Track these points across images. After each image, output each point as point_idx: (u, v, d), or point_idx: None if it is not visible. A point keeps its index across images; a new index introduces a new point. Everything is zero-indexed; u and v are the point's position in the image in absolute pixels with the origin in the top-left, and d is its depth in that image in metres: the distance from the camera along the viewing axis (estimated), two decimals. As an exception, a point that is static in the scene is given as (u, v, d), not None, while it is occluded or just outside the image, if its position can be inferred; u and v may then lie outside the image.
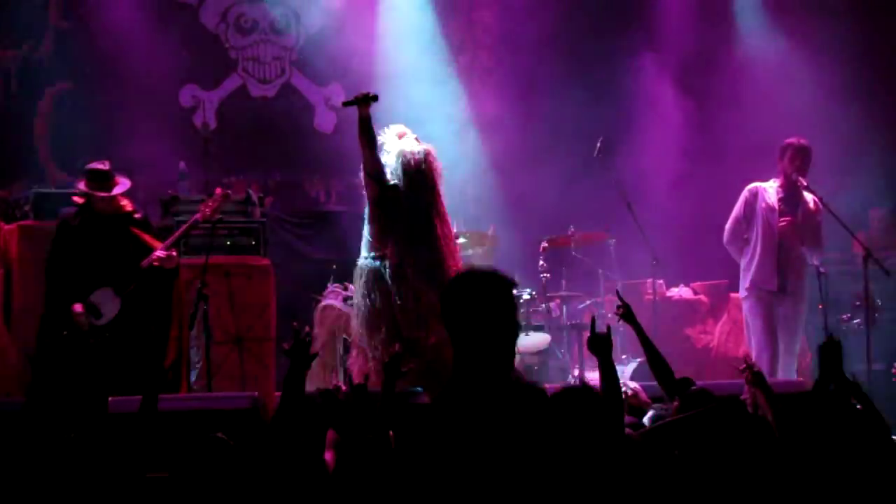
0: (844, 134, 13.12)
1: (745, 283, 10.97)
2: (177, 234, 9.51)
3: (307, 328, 6.46)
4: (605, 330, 6.39)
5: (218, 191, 9.69)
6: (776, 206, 10.82)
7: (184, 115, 13.25)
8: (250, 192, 11.40)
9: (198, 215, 9.48)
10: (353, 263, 11.71)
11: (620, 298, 7.46)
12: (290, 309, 11.50)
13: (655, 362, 7.34)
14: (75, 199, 9.41)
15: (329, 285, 11.43)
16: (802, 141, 10.89)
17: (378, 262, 8.83)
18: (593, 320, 6.62)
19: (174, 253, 9.36)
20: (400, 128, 9.12)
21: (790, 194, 10.85)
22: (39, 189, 10.93)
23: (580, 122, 13.21)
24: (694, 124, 13.96)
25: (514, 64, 13.90)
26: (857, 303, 11.34)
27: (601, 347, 6.37)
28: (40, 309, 10.07)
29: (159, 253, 9.22)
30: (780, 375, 10.46)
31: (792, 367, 10.75)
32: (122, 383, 8.65)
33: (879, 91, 13.66)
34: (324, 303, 11.29)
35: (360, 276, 8.95)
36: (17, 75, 12.59)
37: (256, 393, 8.95)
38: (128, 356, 9.06)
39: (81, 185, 9.33)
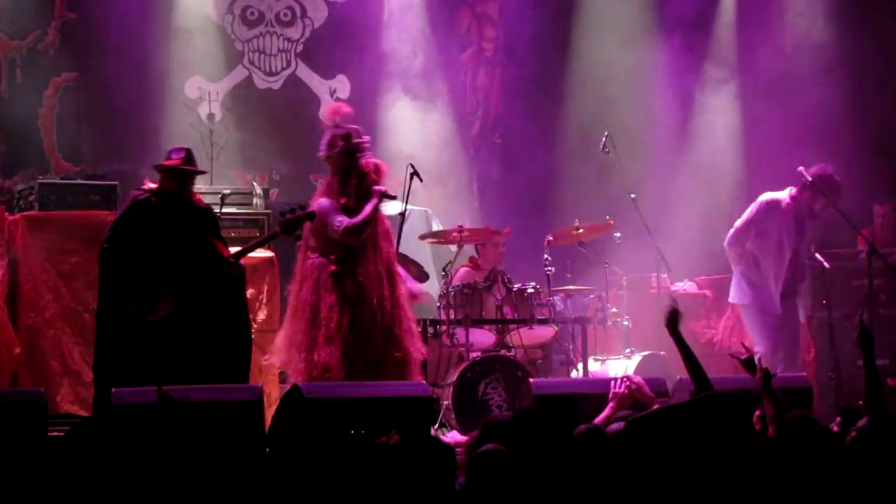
0: (849, 129, 13.12)
1: (743, 295, 10.98)
2: (253, 244, 9.30)
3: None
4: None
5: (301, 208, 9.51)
6: (793, 225, 10.79)
7: (189, 107, 13.24)
8: (255, 184, 11.41)
9: (277, 229, 9.31)
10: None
11: (672, 303, 7.39)
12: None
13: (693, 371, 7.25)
14: (148, 183, 9.08)
15: (333, 278, 11.43)
16: (838, 177, 10.79)
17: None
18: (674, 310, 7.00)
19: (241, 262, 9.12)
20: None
21: (802, 217, 10.83)
22: (44, 180, 10.93)
23: (585, 115, 13.23)
24: (701, 116, 13.96)
25: (520, 57, 13.89)
26: (860, 298, 11.34)
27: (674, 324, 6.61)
28: (45, 299, 10.09)
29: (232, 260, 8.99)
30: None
31: (794, 364, 10.75)
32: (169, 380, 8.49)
33: (887, 85, 13.65)
34: (328, 295, 11.30)
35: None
36: (23, 66, 12.59)
37: (261, 384, 8.96)
38: (177, 358, 8.69)
39: (174, 162, 8.97)
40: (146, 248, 8.82)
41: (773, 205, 10.82)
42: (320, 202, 9.13)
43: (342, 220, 8.97)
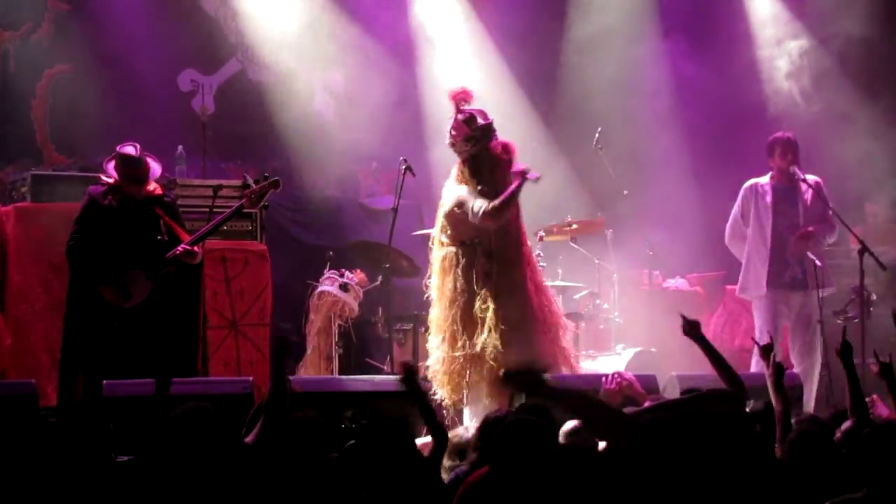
0: (841, 127, 13.12)
1: (743, 284, 10.98)
2: (214, 224, 9.35)
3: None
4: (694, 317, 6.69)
5: (265, 177, 9.57)
6: (770, 207, 10.79)
7: (182, 100, 13.22)
8: (247, 176, 11.39)
9: (244, 200, 9.42)
10: (349, 249, 11.78)
11: (683, 316, 7.35)
12: (286, 294, 11.53)
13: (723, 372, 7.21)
14: (104, 178, 9.29)
15: (325, 271, 11.44)
16: (788, 134, 10.88)
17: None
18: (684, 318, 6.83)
19: (198, 249, 9.19)
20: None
21: (787, 189, 10.82)
22: (36, 171, 10.91)
23: (578, 110, 13.23)
24: (693, 113, 13.95)
25: (512, 51, 13.88)
26: (853, 297, 11.35)
27: (695, 331, 6.55)
28: (35, 291, 10.08)
29: (184, 247, 9.06)
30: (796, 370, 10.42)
31: (811, 363, 10.70)
32: (147, 367, 8.58)
33: (877, 83, 13.64)
34: (320, 289, 11.31)
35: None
36: (16, 57, 12.56)
37: (251, 378, 8.96)
38: (154, 341, 8.95)
39: (111, 169, 9.23)
40: (111, 239, 9.06)
41: (752, 188, 10.88)
42: (456, 190, 9.07)
43: (481, 205, 8.86)
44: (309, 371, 11.12)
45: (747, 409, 7.08)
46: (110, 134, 12.28)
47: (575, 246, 11.69)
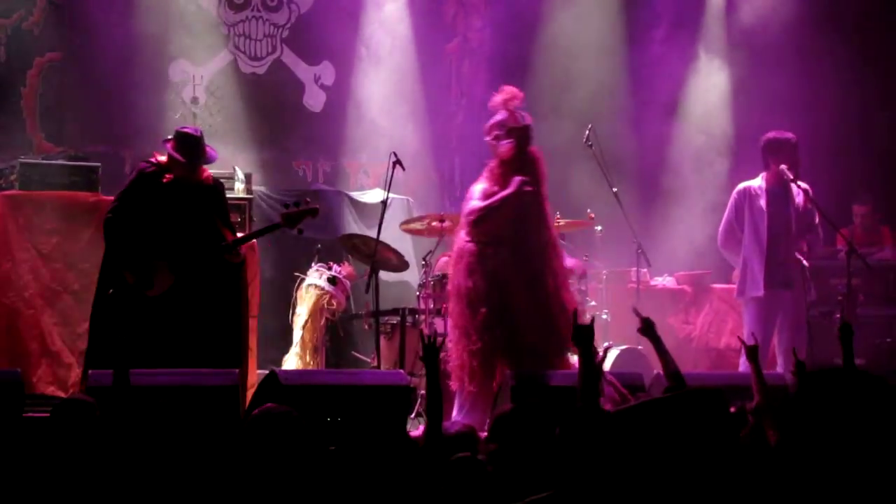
0: (828, 128, 13.16)
1: (740, 287, 11.01)
2: (253, 234, 9.42)
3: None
4: (587, 320, 6.40)
5: (306, 202, 9.46)
6: (764, 209, 10.81)
7: (173, 90, 13.21)
8: (237, 168, 11.40)
9: (279, 220, 9.33)
10: (337, 242, 11.78)
11: (638, 314, 7.39)
12: (273, 287, 11.53)
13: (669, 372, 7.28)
14: (158, 157, 9.04)
15: (313, 264, 11.44)
16: (787, 135, 10.87)
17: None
18: (575, 312, 6.61)
19: (241, 250, 9.10)
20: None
21: (780, 192, 10.84)
22: (26, 159, 10.89)
23: (568, 108, 13.23)
24: (685, 110, 13.99)
25: (505, 48, 13.88)
26: (839, 297, 11.39)
27: (584, 339, 6.37)
28: (24, 279, 10.05)
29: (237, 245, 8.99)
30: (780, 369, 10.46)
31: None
32: (163, 359, 8.51)
33: (866, 85, 13.68)
34: (307, 282, 11.30)
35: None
36: (7, 45, 12.53)
37: (238, 370, 8.95)
38: (172, 336, 8.75)
39: (169, 149, 8.95)
40: (149, 221, 8.84)
41: (744, 192, 10.91)
42: (474, 187, 9.15)
43: (472, 208, 8.97)
44: (295, 364, 11.11)
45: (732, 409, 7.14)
46: (100, 123, 12.32)
47: (563, 243, 11.68)
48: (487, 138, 9.22)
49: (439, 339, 6.82)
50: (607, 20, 14.05)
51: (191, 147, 8.97)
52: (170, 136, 9.11)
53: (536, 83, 13.62)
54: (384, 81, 13.68)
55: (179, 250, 8.85)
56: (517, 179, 8.92)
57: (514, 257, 8.97)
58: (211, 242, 8.93)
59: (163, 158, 8.99)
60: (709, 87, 14.18)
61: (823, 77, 13.32)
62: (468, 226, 9.06)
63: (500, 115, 9.13)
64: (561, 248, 9.40)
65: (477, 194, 9.07)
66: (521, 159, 9.04)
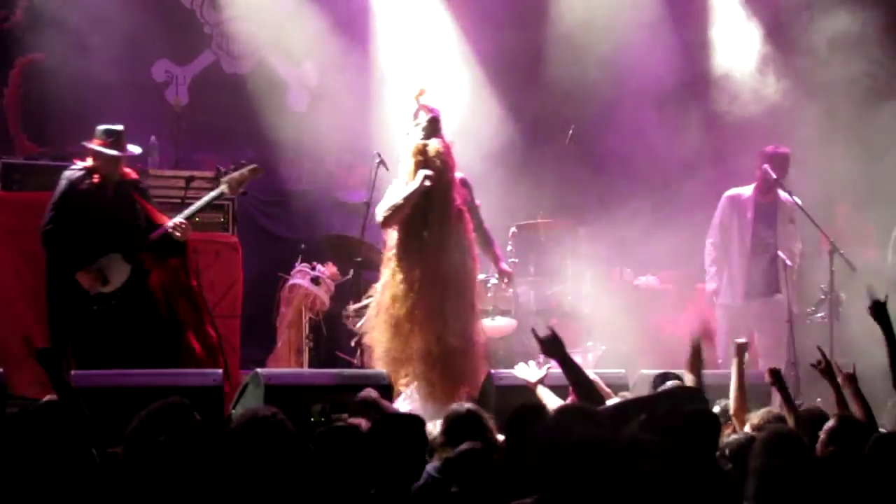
0: (811, 127, 13.16)
1: (713, 290, 11.11)
2: (197, 205, 9.45)
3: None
4: (549, 332, 6.44)
5: (242, 164, 9.64)
6: (751, 222, 10.91)
7: (156, 90, 13.19)
8: (220, 168, 11.38)
9: (224, 187, 9.46)
10: (321, 243, 11.77)
11: (537, 337, 7.16)
12: (257, 287, 11.52)
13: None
14: (77, 161, 9.30)
15: (296, 264, 11.43)
16: (782, 149, 10.98)
17: None
18: (533, 331, 6.60)
19: (187, 223, 9.27)
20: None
21: (768, 205, 10.96)
22: (8, 160, 10.86)
23: (552, 108, 13.23)
24: (665, 112, 13.98)
25: (488, 49, 13.87)
26: (822, 296, 11.42)
27: (555, 349, 6.41)
28: (6, 280, 10.04)
29: (178, 221, 9.16)
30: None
31: (777, 362, 10.80)
32: (130, 353, 8.66)
33: (845, 83, 13.68)
34: (291, 282, 11.30)
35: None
36: (-11, 44, 12.51)
37: (221, 370, 8.94)
38: (136, 325, 8.98)
39: (94, 144, 9.20)
40: (89, 223, 9.05)
41: (733, 199, 11.02)
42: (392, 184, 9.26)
43: (381, 206, 9.04)
44: (279, 364, 11.11)
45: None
46: (83, 123, 12.22)
47: (547, 242, 11.70)
48: (403, 134, 9.30)
49: None
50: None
51: (121, 141, 9.23)
52: (94, 136, 9.29)
53: (526, 80, 13.64)
54: (367, 81, 13.66)
55: (128, 240, 9.05)
56: (421, 174, 8.99)
57: (422, 254, 9.03)
58: (151, 229, 9.14)
59: (86, 163, 9.24)
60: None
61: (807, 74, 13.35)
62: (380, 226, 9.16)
63: (410, 110, 9.23)
64: (472, 242, 9.37)
65: (389, 192, 9.15)
66: (426, 153, 9.09)
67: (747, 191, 11.05)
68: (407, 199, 8.95)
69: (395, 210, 8.97)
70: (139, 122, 11.89)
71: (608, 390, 8.09)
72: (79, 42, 12.47)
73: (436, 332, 8.86)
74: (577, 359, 10.93)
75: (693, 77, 13.97)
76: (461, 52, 13.74)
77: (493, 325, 10.94)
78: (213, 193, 9.49)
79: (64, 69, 12.48)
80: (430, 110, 9.21)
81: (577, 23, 13.66)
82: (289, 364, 11.13)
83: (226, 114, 13.43)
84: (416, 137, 9.12)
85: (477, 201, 9.49)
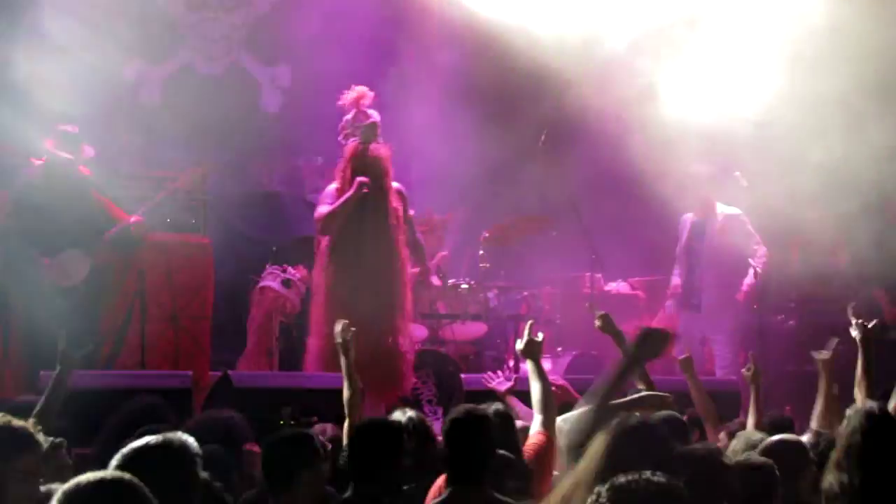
0: (780, 137, 13.21)
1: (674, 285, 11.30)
2: (153, 202, 9.53)
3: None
4: (538, 336, 6.46)
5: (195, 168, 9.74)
6: (685, 238, 11.15)
7: (128, 90, 13.14)
8: (191, 169, 11.36)
9: (179, 184, 9.53)
10: (292, 245, 11.75)
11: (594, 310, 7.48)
12: (227, 289, 11.49)
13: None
14: (34, 160, 9.40)
15: (267, 266, 11.41)
16: (703, 167, 11.15)
17: None
18: (527, 327, 6.62)
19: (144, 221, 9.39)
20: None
21: (700, 223, 11.19)
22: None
23: (525, 114, 13.23)
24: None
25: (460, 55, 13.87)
26: (792, 304, 11.49)
27: (532, 353, 6.44)
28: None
29: (138, 218, 9.22)
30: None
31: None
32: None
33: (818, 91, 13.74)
34: (261, 284, 11.27)
35: None
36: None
37: (191, 372, 8.94)
38: (90, 320, 9.03)
39: (49, 146, 9.32)
40: (47, 220, 9.15)
41: (683, 220, 11.28)
42: (328, 188, 9.23)
43: (316, 215, 9.08)
44: (250, 366, 11.08)
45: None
46: (54, 123, 12.19)
47: (518, 247, 11.73)
48: (339, 138, 9.31)
49: None
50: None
51: (77, 142, 9.41)
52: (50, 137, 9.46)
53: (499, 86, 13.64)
54: (341, 83, 13.62)
55: (89, 236, 9.17)
56: (357, 180, 9.02)
57: (359, 259, 9.06)
58: (111, 223, 9.29)
59: (41, 160, 9.39)
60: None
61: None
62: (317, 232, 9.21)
63: (349, 115, 9.26)
64: (405, 249, 9.39)
65: (325, 197, 9.17)
66: (363, 158, 9.12)
67: (690, 213, 11.35)
68: (343, 205, 8.98)
69: (332, 217, 9.00)
70: (110, 122, 11.88)
71: (577, 396, 8.10)
72: (49, 41, 12.41)
73: (363, 338, 8.91)
74: (547, 364, 11.02)
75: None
76: (431, 55, 13.75)
77: (464, 329, 10.96)
78: (169, 194, 9.57)
79: (33, 68, 12.41)
80: (370, 115, 9.25)
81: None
82: (258, 367, 11.10)
83: (198, 115, 13.38)
84: (354, 142, 9.16)
85: (411, 211, 9.54)
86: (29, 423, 4.48)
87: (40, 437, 4.46)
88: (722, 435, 7.06)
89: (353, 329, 6.74)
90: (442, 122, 13.37)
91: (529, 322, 6.73)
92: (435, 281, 9.98)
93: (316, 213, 9.14)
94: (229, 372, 8.69)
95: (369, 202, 9.04)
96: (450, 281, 11.05)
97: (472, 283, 11.18)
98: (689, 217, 11.34)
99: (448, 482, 5.32)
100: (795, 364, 11.26)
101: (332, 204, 9.03)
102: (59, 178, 9.28)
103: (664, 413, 6.21)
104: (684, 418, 6.95)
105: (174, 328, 10.17)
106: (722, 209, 11.26)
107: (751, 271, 10.94)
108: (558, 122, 12.47)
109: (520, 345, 6.49)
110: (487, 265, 11.36)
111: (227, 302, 11.37)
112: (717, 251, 11.14)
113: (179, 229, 10.62)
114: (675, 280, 11.39)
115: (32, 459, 4.35)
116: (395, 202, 9.21)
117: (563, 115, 13.01)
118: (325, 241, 9.16)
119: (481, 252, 11.39)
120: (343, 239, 9.07)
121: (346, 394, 6.58)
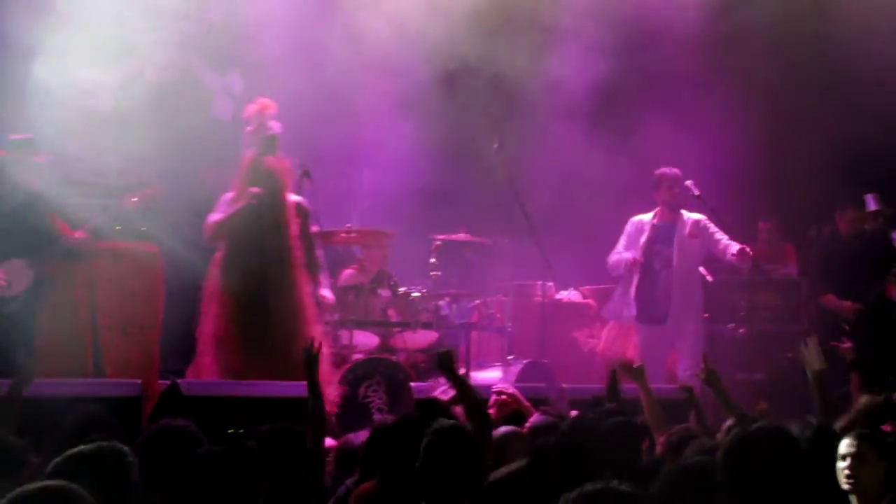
0: (734, 146, 13.30)
1: (612, 308, 11.34)
2: (98, 219, 9.50)
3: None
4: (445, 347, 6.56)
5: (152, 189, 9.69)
6: (643, 246, 11.15)
7: (80, 98, 13.04)
8: (142, 177, 11.32)
9: (136, 202, 9.49)
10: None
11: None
12: (178, 297, 11.43)
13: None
14: None
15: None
16: (674, 170, 11.21)
17: None
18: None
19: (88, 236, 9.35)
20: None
21: (667, 226, 11.19)
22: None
23: (478, 120, 13.25)
24: (593, 126, 14.05)
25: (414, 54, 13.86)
26: (742, 313, 11.54)
27: (444, 364, 6.48)
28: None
29: (82, 234, 9.22)
30: None
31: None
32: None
33: (769, 103, 13.84)
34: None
35: None
36: None
37: (139, 381, 8.89)
38: (25, 332, 8.99)
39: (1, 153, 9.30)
40: None
41: (635, 225, 11.28)
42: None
43: (206, 223, 9.12)
44: (200, 375, 11.02)
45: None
46: (4, 132, 12.12)
47: (469, 255, 11.73)
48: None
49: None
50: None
51: (28, 150, 9.52)
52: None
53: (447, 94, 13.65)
54: (293, 92, 13.60)
55: (35, 246, 9.16)
56: (249, 191, 9.07)
57: (249, 270, 9.07)
58: (56, 238, 9.27)
59: None
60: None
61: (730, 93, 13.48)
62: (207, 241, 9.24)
63: (250, 126, 9.32)
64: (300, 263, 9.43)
65: (219, 205, 9.24)
66: (258, 169, 9.18)
67: (648, 216, 11.36)
68: (232, 216, 9.02)
69: (219, 226, 9.06)
70: (62, 131, 11.80)
71: (528, 404, 8.12)
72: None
73: (258, 350, 8.94)
74: (497, 373, 11.03)
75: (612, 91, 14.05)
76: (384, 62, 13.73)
77: (415, 337, 10.97)
78: (110, 210, 9.56)
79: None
80: (271, 127, 9.29)
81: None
82: (209, 375, 11.05)
83: (149, 122, 13.31)
84: (252, 153, 9.21)
85: (313, 227, 9.59)
86: None
87: None
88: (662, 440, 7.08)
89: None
90: (389, 137, 13.40)
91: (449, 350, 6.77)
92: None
93: (205, 222, 9.18)
94: (178, 380, 8.64)
95: (265, 214, 9.09)
96: (401, 289, 11.05)
97: (424, 291, 11.18)
98: (645, 220, 11.29)
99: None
100: (746, 372, 11.33)
101: (223, 213, 9.10)
102: (8, 186, 9.23)
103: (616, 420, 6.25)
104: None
105: (124, 337, 10.11)
106: (687, 214, 11.31)
107: (735, 246, 10.99)
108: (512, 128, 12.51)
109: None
110: (439, 273, 11.36)
111: (177, 310, 11.31)
112: (685, 255, 11.15)
113: (129, 237, 10.56)
114: (627, 255, 11.37)
115: None
116: (292, 215, 9.24)
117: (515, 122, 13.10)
118: (219, 252, 9.22)
119: (433, 260, 11.39)
120: (235, 249, 9.13)
121: (310, 405, 6.58)
